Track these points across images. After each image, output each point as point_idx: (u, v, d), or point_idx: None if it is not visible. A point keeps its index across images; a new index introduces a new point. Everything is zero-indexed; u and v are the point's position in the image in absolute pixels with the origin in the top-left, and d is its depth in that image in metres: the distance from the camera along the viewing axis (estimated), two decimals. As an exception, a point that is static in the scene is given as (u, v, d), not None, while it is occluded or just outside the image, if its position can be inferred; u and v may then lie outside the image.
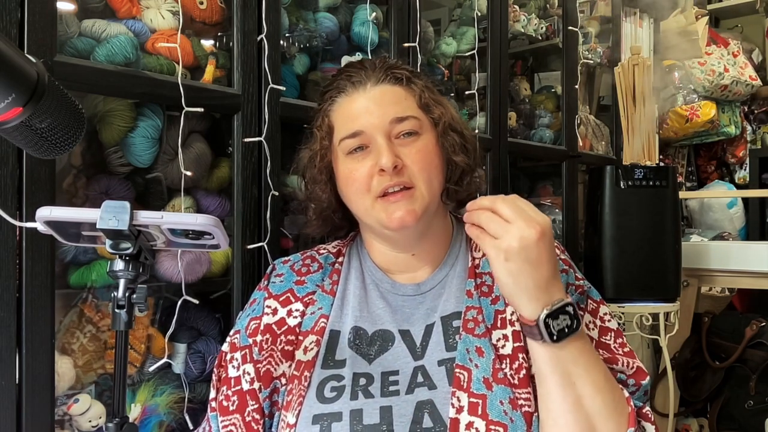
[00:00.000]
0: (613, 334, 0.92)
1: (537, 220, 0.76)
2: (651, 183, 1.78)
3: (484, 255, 0.95)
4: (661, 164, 2.29)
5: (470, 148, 0.97)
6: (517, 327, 0.87)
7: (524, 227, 0.75)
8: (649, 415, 0.87)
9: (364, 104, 0.92)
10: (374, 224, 0.92)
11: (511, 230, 0.75)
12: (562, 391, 0.79)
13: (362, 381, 0.87)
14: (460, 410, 0.82)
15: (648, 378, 0.90)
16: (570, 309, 0.78)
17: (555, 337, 0.77)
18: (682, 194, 2.47)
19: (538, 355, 0.80)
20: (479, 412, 0.81)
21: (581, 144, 2.09)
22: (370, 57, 1.36)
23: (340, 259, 0.99)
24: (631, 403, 0.83)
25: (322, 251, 1.01)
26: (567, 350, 0.79)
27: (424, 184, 0.90)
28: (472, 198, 0.89)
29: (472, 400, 0.82)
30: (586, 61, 2.22)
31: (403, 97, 0.93)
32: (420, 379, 0.87)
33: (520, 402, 0.82)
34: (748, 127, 2.93)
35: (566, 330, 0.78)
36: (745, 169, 2.91)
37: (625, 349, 0.91)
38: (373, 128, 0.90)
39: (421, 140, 0.91)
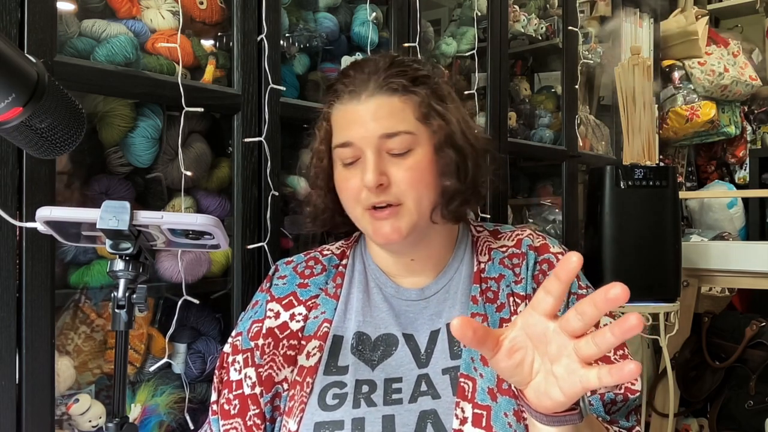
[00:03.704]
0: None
1: None
2: (651, 183, 1.77)
3: (489, 259, 0.93)
4: (661, 164, 2.28)
5: (466, 168, 0.89)
6: None
7: None
8: None
9: (357, 115, 0.87)
10: (364, 232, 0.92)
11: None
12: None
13: (365, 388, 0.86)
14: (464, 421, 0.80)
15: (637, 394, 0.86)
16: None
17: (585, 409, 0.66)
18: (682, 194, 2.47)
19: None
20: (483, 424, 0.80)
21: (581, 144, 2.09)
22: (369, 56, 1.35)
23: (344, 262, 0.97)
24: None
25: (325, 252, 0.99)
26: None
27: (412, 201, 0.86)
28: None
29: (476, 411, 0.81)
30: (586, 61, 2.22)
31: (399, 109, 0.87)
32: (423, 387, 0.85)
33: (524, 414, 0.80)
34: (748, 127, 2.93)
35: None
36: (745, 169, 2.91)
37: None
38: (362, 141, 0.86)
39: (413, 156, 0.86)
